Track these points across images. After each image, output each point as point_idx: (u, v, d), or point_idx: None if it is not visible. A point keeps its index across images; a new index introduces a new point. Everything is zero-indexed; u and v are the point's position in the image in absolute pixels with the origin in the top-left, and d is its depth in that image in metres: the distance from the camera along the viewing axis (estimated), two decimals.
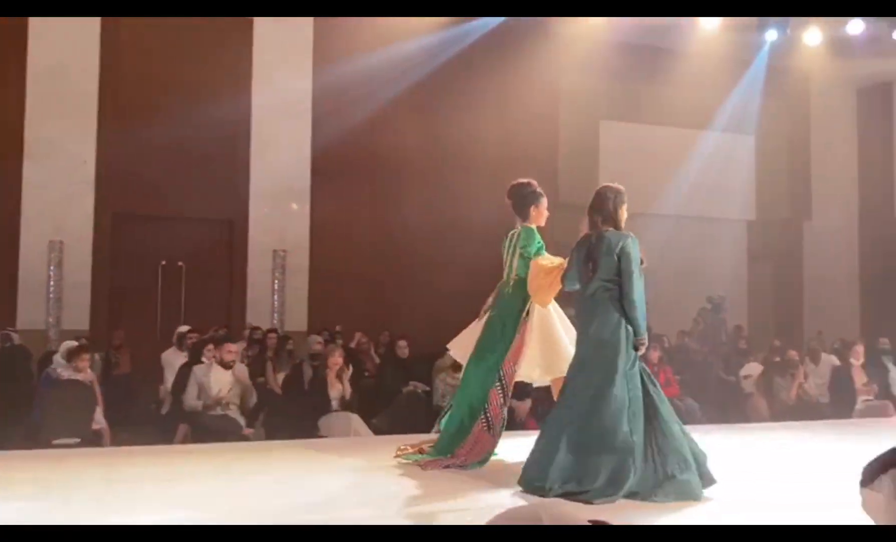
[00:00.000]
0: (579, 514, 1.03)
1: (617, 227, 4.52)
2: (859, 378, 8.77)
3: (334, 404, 6.98)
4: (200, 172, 11.19)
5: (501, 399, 4.89)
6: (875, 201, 15.16)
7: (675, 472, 4.20)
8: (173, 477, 4.83)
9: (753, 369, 9.54)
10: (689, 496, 4.18)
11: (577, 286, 4.58)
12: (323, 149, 11.72)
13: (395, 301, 11.82)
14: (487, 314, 5.21)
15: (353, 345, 9.82)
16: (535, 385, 5.20)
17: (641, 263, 4.45)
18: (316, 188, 11.89)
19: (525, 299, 5.05)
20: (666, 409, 4.38)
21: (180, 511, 3.93)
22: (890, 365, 9.44)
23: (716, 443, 4.80)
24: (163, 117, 10.71)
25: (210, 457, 5.55)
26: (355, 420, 6.84)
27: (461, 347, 5.33)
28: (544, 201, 5.21)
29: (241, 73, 11.59)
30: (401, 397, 7.87)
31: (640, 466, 4.20)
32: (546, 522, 1.05)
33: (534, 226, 5.15)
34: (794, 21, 12.05)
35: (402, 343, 9.19)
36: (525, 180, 5.25)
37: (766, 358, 9.79)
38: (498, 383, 4.90)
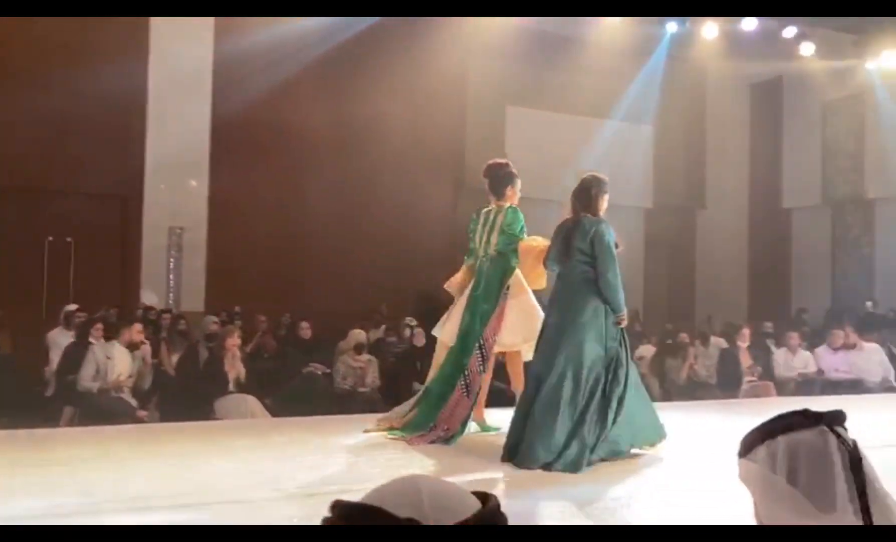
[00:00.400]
0: (463, 489, 1.00)
1: (594, 214, 4.80)
2: (745, 360, 9.17)
3: (231, 385, 6.84)
4: (92, 144, 10.61)
5: (481, 366, 5.09)
6: (764, 192, 15.91)
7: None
8: (53, 462, 4.58)
9: (646, 350, 9.87)
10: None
11: (557, 269, 4.87)
12: (223, 123, 11.34)
13: (297, 282, 11.57)
14: (467, 293, 5.29)
15: (252, 328, 9.58)
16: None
17: (617, 246, 4.74)
18: (215, 164, 11.51)
19: (505, 271, 5.23)
20: (620, 390, 4.60)
21: (58, 497, 3.74)
22: (773, 348, 9.94)
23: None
24: (51, 84, 10.13)
25: (97, 440, 5.31)
26: (251, 402, 6.72)
27: (448, 330, 5.38)
28: (519, 182, 5.46)
29: (138, 40, 11.04)
30: (298, 378, 7.76)
31: (580, 443, 4.46)
32: (424, 498, 1.02)
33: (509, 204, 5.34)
34: None
35: (305, 325, 9.07)
36: (502, 161, 5.52)
37: (659, 341, 10.15)
38: (478, 351, 5.10)
